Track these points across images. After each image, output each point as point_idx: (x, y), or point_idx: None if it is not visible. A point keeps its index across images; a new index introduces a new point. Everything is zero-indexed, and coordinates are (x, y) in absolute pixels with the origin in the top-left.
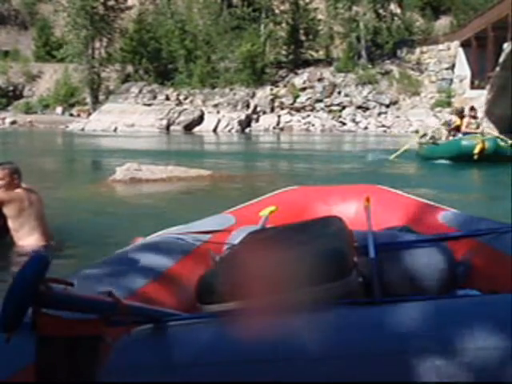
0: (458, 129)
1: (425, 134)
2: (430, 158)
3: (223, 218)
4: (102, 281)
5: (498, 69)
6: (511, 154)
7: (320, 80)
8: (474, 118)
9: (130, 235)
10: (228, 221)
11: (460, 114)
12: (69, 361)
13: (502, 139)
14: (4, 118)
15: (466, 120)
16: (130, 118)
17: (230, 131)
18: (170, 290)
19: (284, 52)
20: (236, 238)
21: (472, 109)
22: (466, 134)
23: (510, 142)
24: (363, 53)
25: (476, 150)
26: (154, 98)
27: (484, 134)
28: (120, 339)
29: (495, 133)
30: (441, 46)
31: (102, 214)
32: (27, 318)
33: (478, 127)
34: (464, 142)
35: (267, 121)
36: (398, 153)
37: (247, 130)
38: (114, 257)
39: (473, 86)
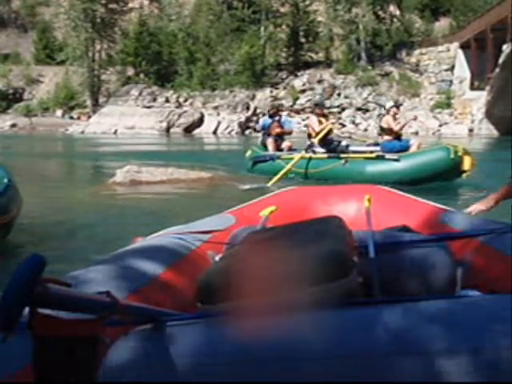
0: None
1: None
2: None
3: (223, 218)
4: (101, 281)
5: (497, 70)
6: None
7: (320, 82)
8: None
9: (130, 235)
10: (228, 221)
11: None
12: (67, 361)
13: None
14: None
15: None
16: (130, 121)
17: (229, 133)
18: (170, 289)
19: (284, 54)
20: (236, 238)
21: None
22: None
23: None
24: (363, 55)
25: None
26: (154, 100)
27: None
28: (119, 339)
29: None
30: (440, 48)
31: (102, 216)
32: (24, 319)
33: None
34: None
35: None
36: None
37: (247, 132)
38: (113, 257)
39: (472, 87)
